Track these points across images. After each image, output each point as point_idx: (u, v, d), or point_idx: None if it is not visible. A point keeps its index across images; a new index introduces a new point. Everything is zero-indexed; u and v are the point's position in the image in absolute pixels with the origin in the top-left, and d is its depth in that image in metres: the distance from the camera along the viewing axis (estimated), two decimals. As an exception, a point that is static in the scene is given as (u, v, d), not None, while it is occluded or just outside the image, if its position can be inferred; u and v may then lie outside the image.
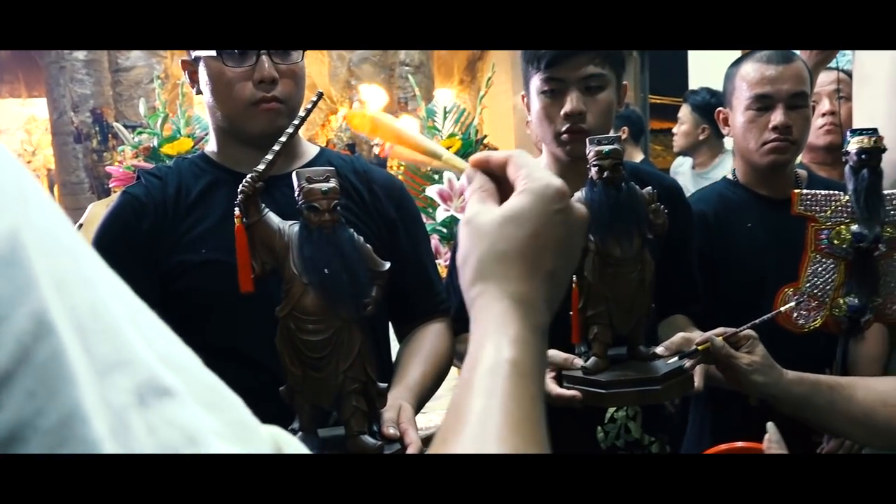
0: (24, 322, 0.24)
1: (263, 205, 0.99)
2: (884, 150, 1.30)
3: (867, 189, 1.27)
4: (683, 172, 3.17)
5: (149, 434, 0.27)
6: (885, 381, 1.13)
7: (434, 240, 2.44)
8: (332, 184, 0.98)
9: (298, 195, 0.97)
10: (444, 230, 2.44)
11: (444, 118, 2.57)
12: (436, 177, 2.52)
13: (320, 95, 1.03)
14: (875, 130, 1.30)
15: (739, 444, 1.03)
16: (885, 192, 1.32)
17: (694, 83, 4.44)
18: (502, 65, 5.58)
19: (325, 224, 0.98)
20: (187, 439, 0.28)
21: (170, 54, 5.88)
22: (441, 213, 2.40)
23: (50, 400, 0.24)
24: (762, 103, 1.48)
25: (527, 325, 0.49)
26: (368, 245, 1.05)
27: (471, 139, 2.56)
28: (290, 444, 0.36)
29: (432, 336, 1.27)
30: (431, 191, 2.42)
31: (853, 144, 1.29)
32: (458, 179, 2.42)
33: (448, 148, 2.57)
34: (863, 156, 1.27)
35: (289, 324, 0.97)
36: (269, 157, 0.97)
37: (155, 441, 0.27)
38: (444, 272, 1.95)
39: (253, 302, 0.98)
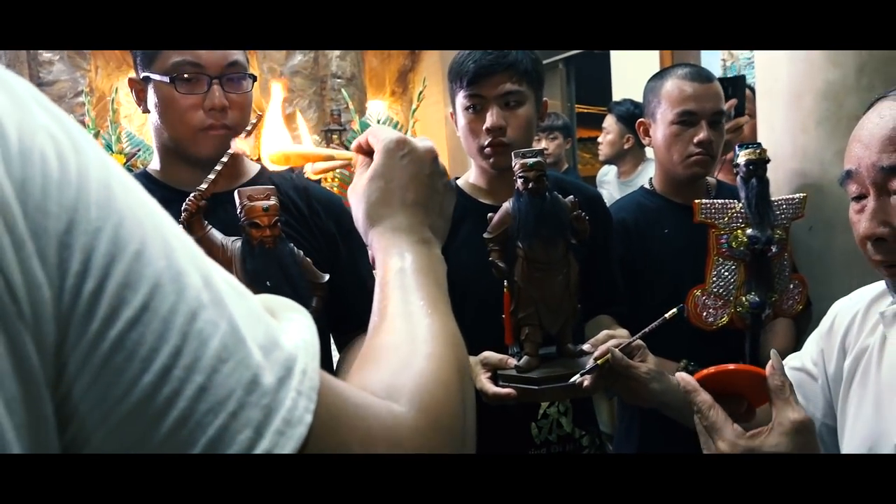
0: (116, 227, 0.34)
1: (206, 221, 1.03)
2: (768, 160, 1.42)
3: (757, 196, 1.40)
4: (610, 181, 3.29)
5: (229, 288, 0.38)
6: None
7: (371, 250, 2.50)
8: (273, 201, 1.03)
9: (240, 212, 1.02)
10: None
11: (378, 131, 2.64)
12: (371, 189, 2.58)
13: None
14: (759, 144, 1.43)
15: (731, 366, 0.89)
16: (773, 198, 1.45)
17: (617, 92, 4.63)
18: (433, 77, 5.67)
19: (267, 239, 1.02)
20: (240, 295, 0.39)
21: (94, 68, 5.75)
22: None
23: (138, 287, 0.34)
24: (687, 119, 1.56)
25: (412, 241, 0.63)
26: (308, 258, 1.10)
27: (404, 151, 2.63)
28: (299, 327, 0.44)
29: None
30: (367, 202, 2.48)
31: (742, 157, 1.41)
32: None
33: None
34: (750, 166, 1.39)
35: None
36: (212, 176, 1.01)
37: (233, 296, 0.38)
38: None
39: None
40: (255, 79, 1.24)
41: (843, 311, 1.04)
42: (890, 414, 0.90)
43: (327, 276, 1.09)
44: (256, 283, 1.00)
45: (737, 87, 1.80)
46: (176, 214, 1.02)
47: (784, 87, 1.64)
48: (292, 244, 1.09)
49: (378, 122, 2.67)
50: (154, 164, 1.28)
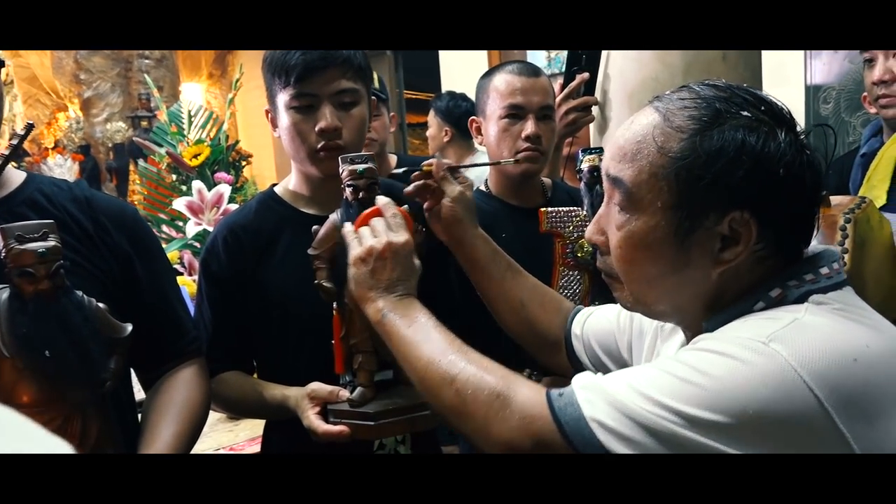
0: None
1: None
2: None
3: (601, 203, 1.36)
4: (441, 174, 3.27)
5: None
6: (550, 290, 1.21)
7: (187, 255, 2.26)
8: (52, 241, 0.82)
9: (5, 258, 0.80)
10: (197, 245, 2.25)
11: (190, 124, 2.37)
12: (183, 188, 2.32)
13: (30, 127, 0.87)
14: (601, 149, 1.40)
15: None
16: None
17: (445, 77, 4.62)
18: (254, 60, 5.36)
19: (45, 293, 0.81)
20: None
21: None
22: (192, 227, 2.21)
23: None
24: (515, 112, 1.52)
25: None
26: (102, 305, 0.90)
27: (221, 145, 2.39)
28: None
29: (183, 385, 1.12)
30: (179, 203, 2.21)
31: (585, 163, 1.37)
32: (209, 190, 2.24)
33: (197, 155, 2.38)
34: (594, 173, 1.35)
35: None
36: None
37: None
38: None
39: None
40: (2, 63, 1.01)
41: None
42: None
43: (130, 328, 0.89)
44: (31, 351, 0.79)
45: (592, 60, 1.66)
46: None
47: (616, 84, 1.63)
48: (82, 293, 0.88)
49: (189, 114, 2.40)
50: None
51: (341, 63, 1.20)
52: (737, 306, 0.75)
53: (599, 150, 1.38)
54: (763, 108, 0.74)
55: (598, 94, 1.68)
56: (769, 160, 0.71)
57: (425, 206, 1.16)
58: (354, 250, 0.99)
